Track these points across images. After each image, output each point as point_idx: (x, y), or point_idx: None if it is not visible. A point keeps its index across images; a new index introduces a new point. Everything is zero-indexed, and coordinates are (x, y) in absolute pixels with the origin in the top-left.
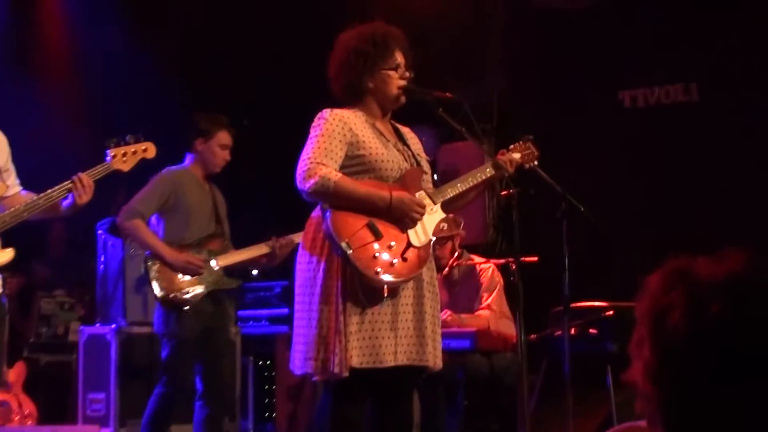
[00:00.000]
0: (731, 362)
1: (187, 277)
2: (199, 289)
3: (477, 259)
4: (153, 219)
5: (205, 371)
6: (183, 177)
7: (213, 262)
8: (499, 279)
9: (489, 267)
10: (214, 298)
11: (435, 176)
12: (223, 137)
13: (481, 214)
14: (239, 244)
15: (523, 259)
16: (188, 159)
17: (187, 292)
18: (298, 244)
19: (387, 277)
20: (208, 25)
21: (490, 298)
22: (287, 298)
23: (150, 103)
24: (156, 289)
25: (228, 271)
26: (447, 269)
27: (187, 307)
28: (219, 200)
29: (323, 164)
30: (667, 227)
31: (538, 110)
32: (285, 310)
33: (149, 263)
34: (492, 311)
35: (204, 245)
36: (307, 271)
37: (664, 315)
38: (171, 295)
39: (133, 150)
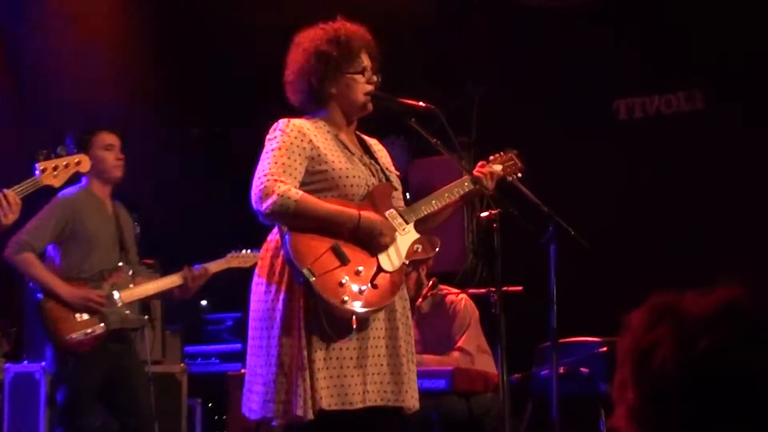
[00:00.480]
0: (724, 402)
1: (87, 316)
2: (100, 329)
3: (450, 289)
4: (50, 248)
5: (118, 417)
6: (80, 201)
7: (116, 297)
8: (472, 312)
9: (461, 299)
10: (120, 336)
11: (407, 194)
12: (103, 138)
13: (459, 239)
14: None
15: (505, 288)
16: (84, 179)
17: (87, 333)
18: (209, 276)
19: (355, 307)
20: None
21: (462, 337)
22: (240, 332)
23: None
24: (50, 330)
25: (143, 303)
26: (419, 300)
27: (86, 350)
28: (125, 223)
29: (282, 181)
30: (669, 253)
31: (522, 121)
32: (238, 346)
33: (42, 301)
34: (463, 354)
35: (106, 278)
36: (264, 301)
37: (649, 353)
38: (68, 337)
39: (65, 163)
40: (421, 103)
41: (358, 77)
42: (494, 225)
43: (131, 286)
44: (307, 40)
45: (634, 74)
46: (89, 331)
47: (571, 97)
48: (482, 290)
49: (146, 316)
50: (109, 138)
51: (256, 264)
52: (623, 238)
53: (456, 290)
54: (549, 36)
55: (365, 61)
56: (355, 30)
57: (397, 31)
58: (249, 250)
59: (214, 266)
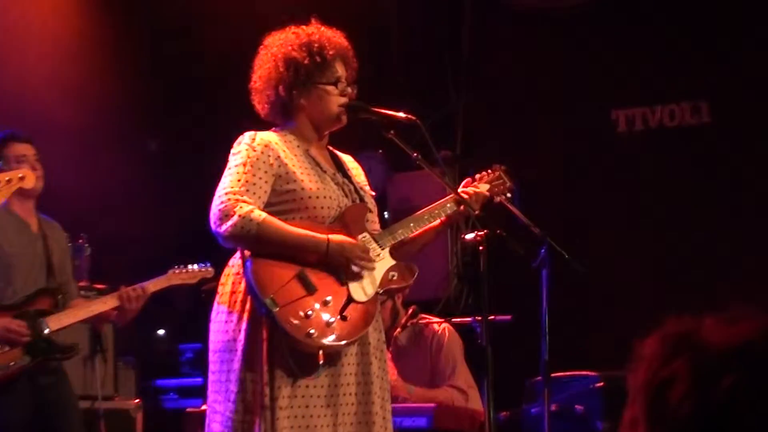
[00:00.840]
0: None
1: (8, 347)
2: (23, 361)
3: (431, 318)
4: None
5: None
6: None
7: (43, 325)
8: (456, 343)
9: (443, 329)
10: (49, 368)
11: (386, 214)
12: (15, 149)
13: (442, 262)
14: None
15: (492, 317)
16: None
17: (9, 366)
18: (148, 296)
19: (322, 340)
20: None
21: (454, 373)
22: (201, 364)
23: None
24: None
25: (93, 333)
26: (396, 331)
27: (9, 384)
28: (55, 243)
29: (244, 201)
30: (672, 278)
31: (512, 134)
32: (198, 380)
33: None
34: (458, 391)
35: (31, 304)
36: (224, 332)
37: (665, 390)
38: None
39: (7, 179)
40: (400, 114)
41: (331, 88)
42: (480, 247)
43: (60, 312)
44: (277, 44)
45: (633, 82)
46: (11, 363)
47: (565, 108)
48: (467, 319)
49: (97, 347)
50: (22, 148)
51: (203, 280)
52: (622, 261)
53: (438, 319)
54: (542, 41)
55: (340, 70)
56: (330, 36)
57: (375, 35)
58: (195, 265)
59: (153, 285)
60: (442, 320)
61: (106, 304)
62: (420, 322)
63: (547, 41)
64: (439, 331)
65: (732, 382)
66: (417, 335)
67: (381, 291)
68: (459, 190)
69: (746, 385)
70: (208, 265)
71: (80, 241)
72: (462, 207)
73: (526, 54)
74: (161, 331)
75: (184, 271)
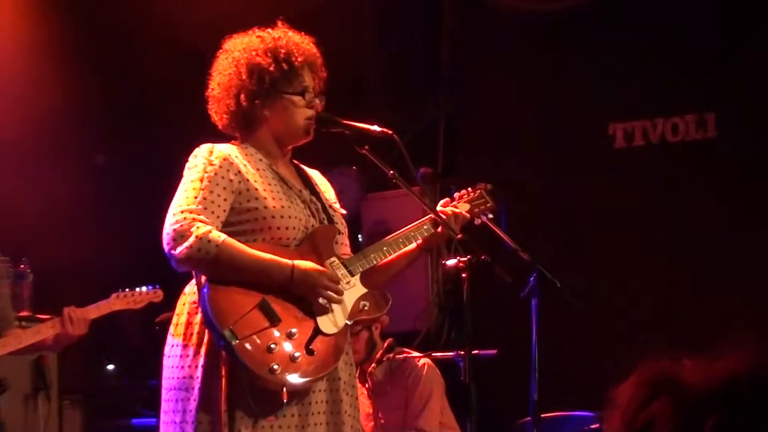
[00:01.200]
0: None
1: None
2: None
3: (410, 353)
4: None
5: None
6: None
7: None
8: (435, 381)
9: (423, 365)
10: None
11: (359, 236)
12: None
13: (422, 291)
14: None
15: (476, 352)
16: None
17: None
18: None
19: (287, 377)
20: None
21: (421, 414)
22: (155, 403)
23: None
24: None
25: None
26: (372, 366)
27: None
28: None
29: (201, 220)
30: (674, 307)
31: (500, 149)
32: (151, 421)
33: None
34: None
35: None
36: (179, 368)
37: None
38: None
39: None
40: (375, 127)
41: (298, 99)
42: (463, 275)
43: None
44: (239, 48)
45: (632, 93)
46: None
47: (556, 121)
48: (449, 354)
49: (39, 383)
50: None
51: (151, 304)
52: (621, 289)
53: (417, 354)
54: (532, 46)
55: (307, 79)
56: (299, 41)
57: (347, 40)
58: (142, 288)
59: (94, 310)
60: (422, 355)
61: (40, 332)
62: (398, 356)
63: (538, 47)
64: (417, 368)
65: (716, 422)
66: (394, 370)
67: (351, 322)
68: (437, 210)
69: (731, 424)
70: (157, 287)
71: (22, 266)
72: (440, 229)
73: (515, 60)
74: (111, 367)
75: (129, 294)
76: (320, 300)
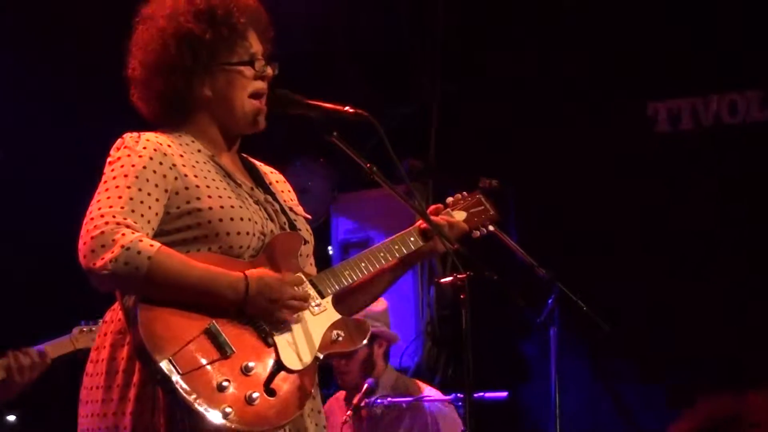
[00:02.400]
0: None
1: None
2: None
3: (422, 386)
4: None
5: None
6: None
7: None
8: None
9: (446, 407)
10: None
11: (329, 249)
12: None
13: (410, 317)
14: None
15: (480, 393)
16: None
17: None
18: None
19: (241, 424)
20: None
21: None
22: None
23: None
24: None
25: None
26: (358, 398)
27: None
28: None
29: (128, 225)
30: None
31: (507, 137)
32: None
33: None
34: None
35: None
36: (101, 416)
37: None
38: None
39: None
40: (347, 108)
41: (245, 69)
42: (462, 296)
43: None
44: (163, 14)
45: (678, 65)
46: None
47: (582, 101)
48: (446, 398)
49: None
50: None
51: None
52: (661, 309)
53: (434, 391)
54: (548, 9)
55: (254, 45)
56: None
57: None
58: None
59: (54, 348)
60: (412, 398)
61: None
62: (377, 402)
63: (555, 10)
64: (443, 412)
65: None
66: (405, 409)
67: (321, 356)
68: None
69: None
70: None
71: None
72: (429, 241)
73: (528, 27)
74: (12, 418)
75: (95, 328)
76: (281, 319)
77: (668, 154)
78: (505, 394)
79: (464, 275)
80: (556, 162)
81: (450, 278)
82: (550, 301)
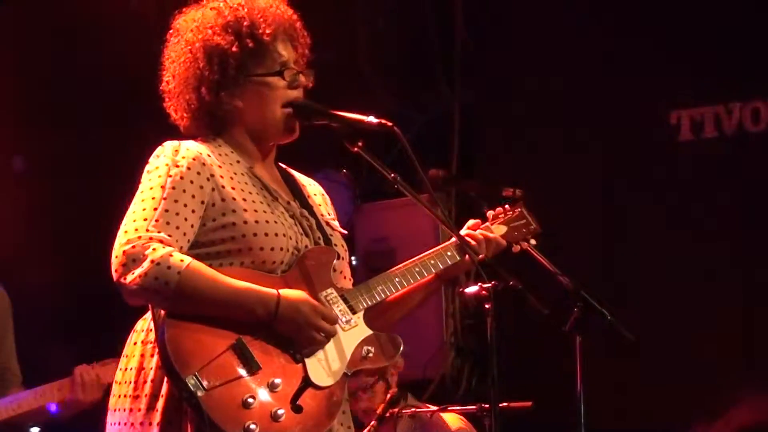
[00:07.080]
0: None
1: None
2: None
3: (421, 406)
4: None
5: None
6: None
7: None
8: None
9: (457, 423)
10: None
11: (353, 258)
12: None
13: (435, 328)
14: None
15: (504, 404)
16: None
17: None
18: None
19: None
20: None
21: None
22: None
23: None
24: None
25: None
26: (382, 408)
27: None
28: None
29: (161, 240)
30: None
31: (529, 146)
32: None
33: None
34: None
35: None
36: (128, 426)
37: None
38: None
39: None
40: (371, 118)
41: (275, 80)
42: (487, 306)
43: None
44: (192, 27)
45: (702, 72)
46: None
47: (604, 110)
48: (470, 408)
49: None
50: None
51: None
52: (686, 321)
53: (432, 407)
54: (570, 16)
55: (285, 53)
56: (264, 6)
57: (338, 10)
58: None
59: (114, 368)
60: (436, 409)
61: (47, 395)
62: (403, 412)
63: (582, 11)
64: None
65: None
66: (422, 428)
67: (350, 372)
68: (463, 233)
69: None
70: None
71: None
72: (467, 256)
73: (551, 32)
74: (35, 430)
75: None
76: (311, 340)
77: (691, 162)
78: (529, 404)
79: (488, 284)
80: (579, 170)
81: (474, 288)
82: (575, 310)
